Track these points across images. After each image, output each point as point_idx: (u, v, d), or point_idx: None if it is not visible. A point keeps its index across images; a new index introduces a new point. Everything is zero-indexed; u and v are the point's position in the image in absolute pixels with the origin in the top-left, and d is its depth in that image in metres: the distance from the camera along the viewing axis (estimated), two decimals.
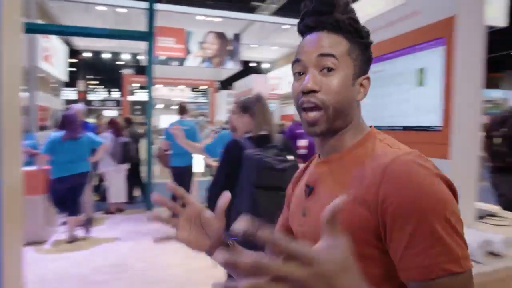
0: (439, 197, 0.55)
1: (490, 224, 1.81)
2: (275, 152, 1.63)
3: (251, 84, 6.73)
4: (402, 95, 1.91)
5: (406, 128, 1.88)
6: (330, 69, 0.65)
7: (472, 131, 1.66)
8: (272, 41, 9.54)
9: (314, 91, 0.64)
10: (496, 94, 17.62)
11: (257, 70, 14.58)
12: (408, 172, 0.56)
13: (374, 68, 2.13)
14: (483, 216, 1.92)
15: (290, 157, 1.67)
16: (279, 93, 11.86)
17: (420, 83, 1.79)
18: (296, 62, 0.69)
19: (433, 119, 1.70)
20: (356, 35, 0.68)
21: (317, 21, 0.67)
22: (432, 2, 1.72)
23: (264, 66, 15.15)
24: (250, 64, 15.45)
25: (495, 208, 2.09)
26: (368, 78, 0.70)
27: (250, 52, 11.19)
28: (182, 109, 4.45)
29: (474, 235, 1.38)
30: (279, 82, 12.02)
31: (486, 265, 1.28)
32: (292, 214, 0.78)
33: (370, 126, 0.72)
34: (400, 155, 0.59)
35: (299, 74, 0.68)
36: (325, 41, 0.66)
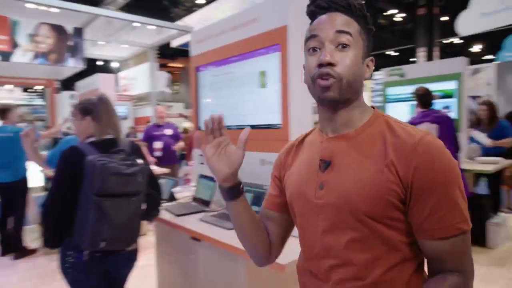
0: (456, 170, 0.68)
1: None
2: (122, 157, 1.51)
3: (97, 84, 6.13)
4: (248, 96, 2.05)
5: (253, 127, 2.03)
6: (345, 46, 0.71)
7: (307, 128, 1.90)
8: (121, 38, 8.90)
9: (331, 64, 0.69)
10: None
11: (105, 69, 13.42)
12: (436, 150, 0.67)
13: (223, 70, 2.22)
14: None
15: (140, 161, 1.58)
16: (132, 94, 11.21)
17: (262, 85, 1.95)
18: (312, 37, 0.73)
19: (274, 118, 1.87)
20: (364, 20, 0.75)
21: (331, 2, 0.73)
22: (266, 12, 1.89)
23: (114, 65, 14.06)
24: (97, 63, 14.09)
25: None
26: (372, 60, 0.77)
27: (96, 50, 10.18)
28: (3, 112, 3.67)
29: None
30: (131, 82, 11.35)
31: None
32: (299, 190, 0.79)
33: (372, 107, 0.79)
34: (424, 135, 0.69)
35: (313, 50, 0.73)
36: (340, 20, 0.72)
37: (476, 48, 17.76)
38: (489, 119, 4.14)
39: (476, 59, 18.00)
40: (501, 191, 4.26)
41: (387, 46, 17.61)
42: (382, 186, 0.67)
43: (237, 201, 0.84)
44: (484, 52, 18.03)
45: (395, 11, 14.33)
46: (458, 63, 3.87)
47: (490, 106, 4.17)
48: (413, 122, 3.31)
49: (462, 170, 3.42)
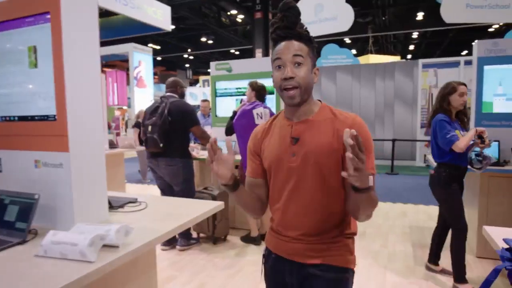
0: (371, 138, 1.11)
1: (127, 211, 1.83)
2: None
3: None
4: (16, 78, 1.56)
5: (22, 119, 1.56)
6: (299, 64, 1.09)
7: (94, 121, 1.57)
8: None
9: (292, 78, 1.09)
10: None
11: None
12: (363, 125, 1.12)
13: None
14: (123, 204, 1.93)
15: None
16: None
17: (33, 65, 1.50)
18: (277, 59, 1.11)
19: (49, 107, 1.47)
20: (310, 42, 1.13)
21: (287, 33, 1.10)
22: None
23: None
24: None
25: (136, 195, 2.18)
26: (318, 69, 1.16)
27: None
28: None
29: (90, 232, 1.27)
30: None
31: (100, 261, 1.20)
32: (277, 158, 1.17)
33: (319, 100, 1.20)
34: (355, 116, 1.13)
35: (278, 67, 1.11)
36: (295, 46, 1.10)
37: None
38: None
39: None
40: None
41: (231, 44, 18.41)
42: (333, 149, 1.09)
43: (238, 189, 1.18)
44: None
45: (235, 11, 15.00)
46: None
47: None
48: (250, 108, 3.44)
49: None
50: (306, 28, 1.12)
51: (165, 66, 23.53)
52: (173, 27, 15.20)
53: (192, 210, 1.83)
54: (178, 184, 3.45)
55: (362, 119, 1.13)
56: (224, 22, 16.66)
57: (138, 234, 1.42)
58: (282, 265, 1.21)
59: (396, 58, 14.46)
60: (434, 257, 3.05)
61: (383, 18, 14.91)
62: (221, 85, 4.46)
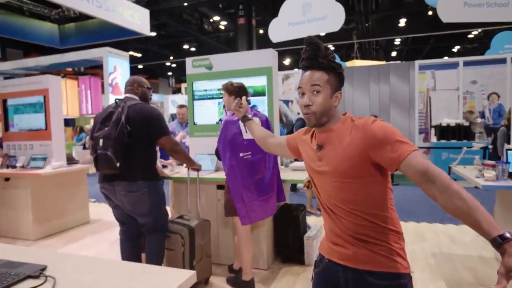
0: (389, 128, 1.13)
1: None
2: None
3: None
4: None
5: None
6: (317, 92, 1.23)
7: None
8: None
9: (309, 105, 1.24)
10: (154, 97, 19.67)
11: None
12: (375, 125, 1.15)
13: None
14: (10, 285, 1.10)
15: None
16: None
17: None
18: (299, 88, 1.28)
19: None
20: (332, 70, 1.24)
21: (309, 64, 1.25)
22: None
23: None
24: None
25: None
26: (340, 92, 1.27)
27: None
28: None
29: None
30: None
31: None
32: (308, 160, 1.34)
33: (344, 113, 1.28)
34: (367, 120, 1.18)
35: (302, 94, 1.27)
36: (314, 76, 1.24)
37: (287, 61, 19.94)
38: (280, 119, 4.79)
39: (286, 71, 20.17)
40: None
41: (214, 51, 17.65)
42: (348, 155, 1.17)
43: (249, 122, 1.91)
44: (293, 65, 20.43)
45: (218, 18, 14.37)
46: (269, 55, 3.35)
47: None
48: (236, 119, 2.70)
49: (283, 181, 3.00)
50: (331, 57, 1.24)
51: (146, 74, 22.57)
52: (154, 34, 14.45)
53: None
54: (144, 215, 2.59)
55: (375, 119, 1.18)
56: (207, 29, 15.98)
57: None
58: (335, 270, 1.25)
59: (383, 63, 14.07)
60: None
61: (366, 25, 14.55)
62: (200, 86, 3.59)
